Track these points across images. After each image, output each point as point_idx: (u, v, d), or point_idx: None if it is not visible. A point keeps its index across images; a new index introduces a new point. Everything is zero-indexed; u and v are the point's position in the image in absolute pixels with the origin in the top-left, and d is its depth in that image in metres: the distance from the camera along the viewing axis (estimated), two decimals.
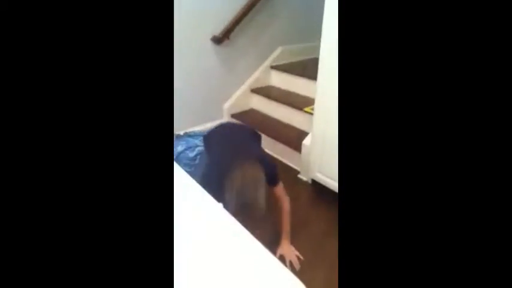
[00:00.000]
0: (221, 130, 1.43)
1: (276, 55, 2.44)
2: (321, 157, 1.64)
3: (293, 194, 1.73)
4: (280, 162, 1.98)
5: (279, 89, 2.40)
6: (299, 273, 0.72)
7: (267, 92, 2.33)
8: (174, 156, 1.84)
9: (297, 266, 1.25)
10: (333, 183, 1.60)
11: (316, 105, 1.61)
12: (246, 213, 1.51)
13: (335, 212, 1.52)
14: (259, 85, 2.40)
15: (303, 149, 1.77)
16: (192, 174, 0.95)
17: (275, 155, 2.03)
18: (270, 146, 2.04)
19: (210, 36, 2.02)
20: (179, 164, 1.80)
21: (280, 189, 1.32)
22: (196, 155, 1.89)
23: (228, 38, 2.06)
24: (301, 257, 1.29)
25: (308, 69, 2.26)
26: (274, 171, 1.27)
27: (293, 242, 1.33)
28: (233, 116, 2.31)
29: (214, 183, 1.19)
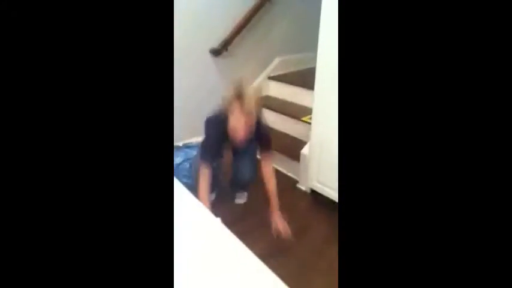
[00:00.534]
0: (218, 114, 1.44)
1: (273, 66, 2.47)
2: (319, 166, 1.64)
3: (292, 203, 1.73)
4: (279, 171, 1.98)
5: (277, 99, 2.41)
6: (298, 282, 0.72)
7: (265, 102, 2.34)
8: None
9: (288, 235, 1.31)
10: (332, 193, 1.60)
11: (314, 115, 1.62)
12: (238, 182, 1.62)
13: (334, 221, 1.51)
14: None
15: (302, 159, 1.78)
16: (190, 186, 0.95)
17: (273, 164, 2.03)
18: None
19: (209, 48, 2.05)
20: (178, 175, 1.80)
21: (269, 162, 1.47)
22: (193, 169, 1.88)
23: (226, 49, 2.09)
24: (289, 231, 1.33)
25: (305, 79, 2.28)
26: (268, 138, 1.45)
27: (292, 251, 1.32)
28: None
29: (213, 149, 1.41)
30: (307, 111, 1.92)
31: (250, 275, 0.59)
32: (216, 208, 1.30)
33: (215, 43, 2.04)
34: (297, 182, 1.86)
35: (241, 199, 1.72)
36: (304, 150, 1.75)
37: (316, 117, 1.61)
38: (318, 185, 1.68)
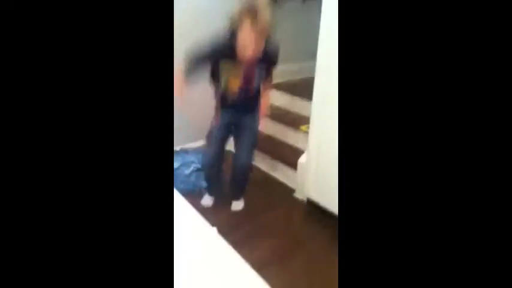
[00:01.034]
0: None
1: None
2: (316, 176, 1.64)
3: (288, 213, 1.73)
4: (276, 180, 1.98)
5: (275, 107, 2.42)
6: None
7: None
8: None
9: (267, 111, 1.52)
10: (329, 202, 1.60)
11: (311, 124, 1.62)
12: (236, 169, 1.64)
13: (331, 230, 1.51)
14: None
15: (299, 168, 1.78)
16: (186, 192, 0.95)
17: (271, 172, 2.03)
18: (265, 163, 2.04)
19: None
20: (174, 181, 1.79)
21: (268, 92, 1.56)
22: (191, 172, 1.88)
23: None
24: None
25: (303, 88, 2.29)
26: (275, 61, 1.46)
27: (289, 261, 1.31)
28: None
29: (208, 59, 1.38)
30: (306, 120, 1.92)
31: (244, 283, 0.58)
32: (213, 215, 1.29)
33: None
34: (293, 191, 1.86)
35: (237, 206, 1.72)
36: (302, 159, 1.76)
37: (313, 127, 1.61)
38: (315, 195, 1.67)
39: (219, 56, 1.35)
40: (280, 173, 1.98)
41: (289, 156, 1.93)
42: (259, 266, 0.60)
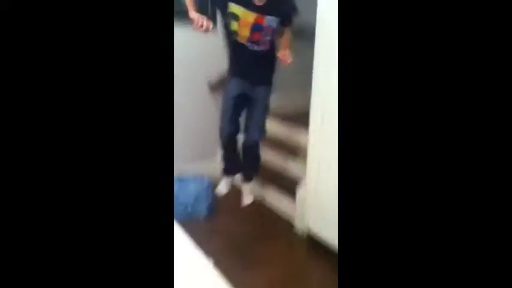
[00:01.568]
0: None
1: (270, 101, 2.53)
2: (315, 207, 1.60)
3: (288, 246, 1.66)
4: (274, 212, 1.93)
5: (273, 135, 2.43)
6: None
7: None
8: None
9: (289, 60, 1.44)
10: (329, 235, 1.55)
11: (308, 154, 1.62)
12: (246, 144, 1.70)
13: (331, 264, 1.44)
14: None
15: (297, 199, 1.74)
16: (182, 221, 0.91)
17: (269, 202, 1.99)
18: (263, 191, 2.01)
19: (207, 83, 2.11)
20: None
21: (288, 32, 1.55)
22: (187, 203, 1.83)
23: (224, 85, 2.14)
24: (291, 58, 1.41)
25: (300, 116, 2.32)
26: (291, 13, 1.50)
27: None
28: None
29: None
30: (303, 149, 1.92)
31: None
32: (208, 242, 1.24)
33: (213, 78, 2.11)
34: (292, 223, 1.81)
35: (248, 200, 1.75)
36: (300, 190, 1.73)
37: (311, 156, 1.61)
38: (315, 227, 1.62)
39: None
40: (279, 202, 1.94)
41: (288, 185, 1.90)
42: None
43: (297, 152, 2.05)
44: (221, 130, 1.73)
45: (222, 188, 1.78)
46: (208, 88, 2.12)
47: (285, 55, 1.50)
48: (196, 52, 1.99)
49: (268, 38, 1.49)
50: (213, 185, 1.92)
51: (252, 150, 1.68)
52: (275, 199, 1.95)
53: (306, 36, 1.54)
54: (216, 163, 2.31)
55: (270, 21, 1.44)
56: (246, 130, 1.69)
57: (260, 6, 1.39)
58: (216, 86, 2.11)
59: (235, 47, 1.55)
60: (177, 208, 1.78)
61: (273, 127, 2.45)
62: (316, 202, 1.60)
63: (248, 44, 1.49)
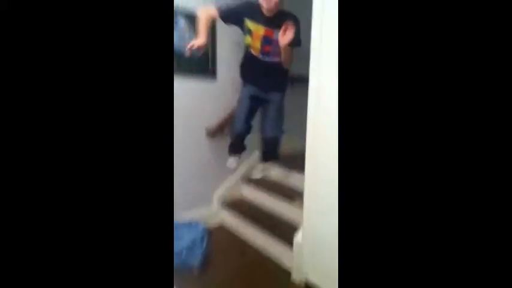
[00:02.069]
0: None
1: None
2: (313, 257, 1.54)
3: None
4: (270, 260, 1.86)
5: (270, 179, 2.43)
6: None
7: (258, 181, 2.35)
8: None
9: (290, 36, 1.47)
10: (328, 285, 1.47)
11: (305, 200, 1.59)
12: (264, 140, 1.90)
13: None
14: (250, 174, 2.44)
15: (295, 247, 1.68)
16: (176, 269, 0.87)
17: (265, 250, 1.92)
18: (260, 240, 1.95)
19: (205, 130, 2.16)
20: None
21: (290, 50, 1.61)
22: (182, 249, 1.77)
23: (222, 132, 2.19)
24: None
25: (297, 161, 2.33)
26: (298, 37, 1.58)
27: None
28: (223, 204, 2.28)
29: (237, 12, 1.64)
30: (300, 194, 1.90)
31: None
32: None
33: (212, 125, 2.16)
34: (290, 273, 1.73)
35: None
36: (297, 237, 1.68)
37: (307, 202, 1.58)
38: (313, 278, 1.55)
39: (244, 14, 1.61)
40: (276, 250, 1.87)
41: (285, 231, 1.85)
42: None
43: (294, 196, 2.02)
44: (233, 128, 1.90)
45: (231, 163, 1.98)
46: (206, 134, 2.16)
47: (285, 59, 1.65)
48: (195, 101, 2.07)
49: (278, 50, 1.67)
50: (209, 232, 1.86)
51: (268, 145, 1.87)
52: (271, 245, 1.88)
53: (302, 82, 1.61)
54: (211, 211, 2.28)
55: (278, 34, 1.61)
56: (262, 129, 1.87)
57: (269, 20, 1.59)
58: (215, 132, 2.16)
59: (249, 58, 1.76)
60: None
61: (271, 170, 2.45)
62: (314, 249, 1.54)
63: (260, 56, 1.70)
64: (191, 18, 1.90)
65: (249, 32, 1.65)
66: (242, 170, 2.42)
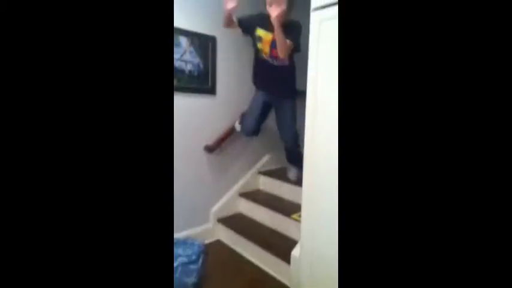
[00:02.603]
0: None
1: (264, 162, 2.57)
2: (311, 272, 1.52)
3: None
4: (268, 275, 1.82)
5: (266, 194, 2.42)
6: None
7: (254, 196, 2.34)
8: None
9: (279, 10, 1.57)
10: None
11: (303, 214, 1.58)
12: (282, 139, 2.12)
13: None
14: (247, 189, 2.44)
15: (292, 262, 1.66)
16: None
17: (262, 266, 1.89)
18: (256, 255, 1.92)
19: (203, 146, 2.17)
20: None
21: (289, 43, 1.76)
22: (177, 266, 1.73)
23: (219, 147, 2.21)
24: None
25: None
26: (298, 42, 1.80)
27: None
28: (219, 220, 2.26)
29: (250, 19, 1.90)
30: (297, 207, 1.90)
31: None
32: None
33: (209, 141, 2.18)
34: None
35: (292, 175, 2.16)
36: (295, 252, 1.66)
37: (305, 217, 1.58)
38: None
39: (256, 23, 1.85)
40: (273, 265, 1.84)
41: (282, 246, 1.83)
42: None
43: (292, 211, 2.02)
44: (245, 126, 2.11)
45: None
46: (204, 151, 2.17)
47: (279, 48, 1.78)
48: (193, 118, 2.10)
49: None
50: (205, 248, 1.84)
51: (291, 143, 2.04)
52: (268, 261, 1.85)
53: (300, 97, 1.65)
54: (208, 226, 2.25)
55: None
56: (281, 136, 2.08)
57: (276, 26, 1.74)
58: (213, 148, 2.17)
59: (259, 62, 1.97)
60: None
61: (268, 186, 2.45)
62: (312, 267, 1.52)
63: (269, 59, 1.91)
64: (192, 36, 1.96)
65: (259, 38, 1.89)
66: (240, 183, 2.42)
